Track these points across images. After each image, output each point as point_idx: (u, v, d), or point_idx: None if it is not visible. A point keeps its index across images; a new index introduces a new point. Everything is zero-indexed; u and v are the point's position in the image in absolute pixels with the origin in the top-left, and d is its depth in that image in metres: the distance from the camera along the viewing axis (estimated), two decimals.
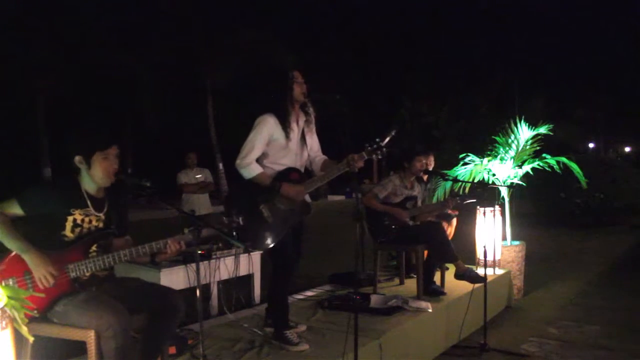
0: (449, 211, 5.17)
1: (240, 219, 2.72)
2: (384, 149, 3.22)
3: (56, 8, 16.17)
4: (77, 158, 2.65)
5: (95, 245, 2.67)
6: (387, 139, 3.24)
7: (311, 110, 3.48)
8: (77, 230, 2.64)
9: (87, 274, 2.62)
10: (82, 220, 2.65)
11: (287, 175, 3.34)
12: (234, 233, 2.86)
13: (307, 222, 3.60)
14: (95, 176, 2.67)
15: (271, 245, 3.25)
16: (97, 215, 2.70)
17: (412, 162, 4.77)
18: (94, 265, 2.60)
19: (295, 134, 3.40)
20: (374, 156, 3.24)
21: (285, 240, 3.29)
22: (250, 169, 3.25)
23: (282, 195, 3.25)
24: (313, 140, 3.57)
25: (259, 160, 3.33)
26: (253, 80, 15.65)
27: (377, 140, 3.22)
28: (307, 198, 3.44)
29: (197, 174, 7.56)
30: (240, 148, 3.32)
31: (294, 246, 3.42)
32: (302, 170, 3.50)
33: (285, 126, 3.33)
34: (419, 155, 4.81)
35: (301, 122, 3.46)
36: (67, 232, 2.62)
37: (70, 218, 2.62)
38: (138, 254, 2.64)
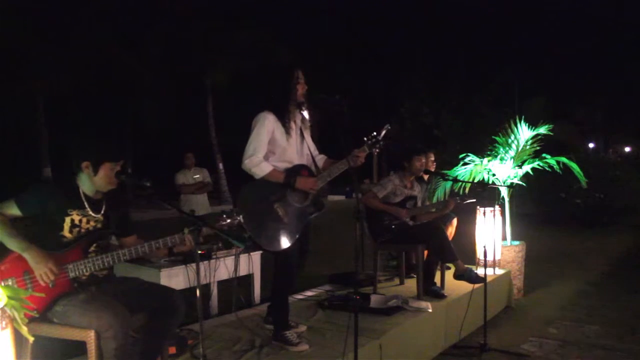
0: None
1: (240, 217, 2.72)
2: (382, 142, 3.38)
3: (56, 7, 16.16)
4: (85, 163, 2.65)
5: (94, 245, 2.68)
6: (384, 132, 3.40)
7: (306, 111, 3.49)
8: (76, 230, 2.64)
9: (86, 274, 2.62)
10: (80, 221, 2.65)
11: (298, 171, 3.35)
12: (247, 235, 2.86)
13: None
14: (97, 182, 2.68)
15: (290, 244, 3.24)
16: (94, 217, 2.70)
17: (411, 161, 4.77)
18: (93, 265, 2.60)
19: (294, 132, 3.41)
20: (373, 150, 3.37)
21: None
22: (261, 167, 3.24)
23: (298, 189, 3.25)
24: (310, 140, 3.57)
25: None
26: (256, 77, 15.66)
27: (375, 134, 3.38)
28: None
29: (195, 174, 7.55)
30: (241, 148, 3.32)
31: (300, 245, 3.41)
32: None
33: (285, 123, 3.34)
34: (418, 154, 4.81)
35: (298, 121, 3.47)
36: (66, 232, 2.62)
37: (68, 219, 2.62)
38: (137, 253, 2.64)
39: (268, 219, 3.21)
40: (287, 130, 3.35)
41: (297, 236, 3.28)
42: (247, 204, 3.24)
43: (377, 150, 3.39)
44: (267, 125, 3.29)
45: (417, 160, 4.78)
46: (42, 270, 2.46)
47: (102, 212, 2.74)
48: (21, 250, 2.47)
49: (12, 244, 2.48)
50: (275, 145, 3.34)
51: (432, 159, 5.48)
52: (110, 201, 2.79)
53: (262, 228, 3.19)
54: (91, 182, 2.68)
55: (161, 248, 2.66)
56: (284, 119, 3.34)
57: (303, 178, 3.29)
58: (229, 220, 2.68)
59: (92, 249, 2.66)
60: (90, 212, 2.69)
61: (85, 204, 2.68)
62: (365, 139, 3.38)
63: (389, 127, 3.46)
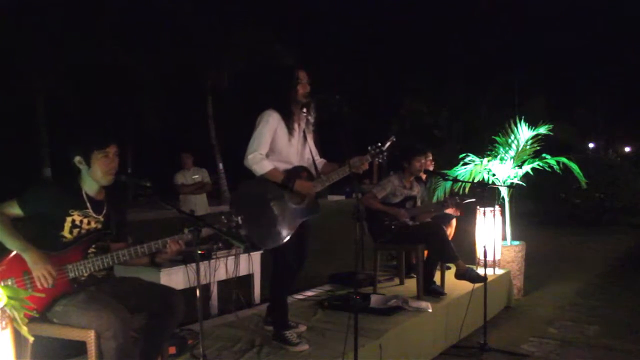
0: (450, 211, 5.16)
1: (240, 218, 2.72)
2: (385, 153, 3.42)
3: (56, 7, 16.16)
4: (77, 159, 2.66)
5: (93, 246, 2.67)
6: (388, 144, 3.45)
7: (312, 113, 3.49)
8: (76, 231, 2.64)
9: (85, 274, 2.61)
10: (81, 222, 2.65)
11: (298, 173, 3.34)
12: (242, 233, 2.87)
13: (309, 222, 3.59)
14: (95, 175, 2.67)
15: (281, 243, 3.24)
16: (95, 218, 2.70)
17: (411, 162, 4.77)
18: (92, 265, 2.59)
19: (297, 133, 3.40)
20: (376, 159, 3.42)
21: (288, 241, 3.29)
22: (262, 165, 3.23)
23: (296, 191, 3.26)
24: (312, 144, 3.57)
25: None
26: (258, 78, 15.68)
27: (379, 144, 3.43)
28: None
29: (195, 175, 7.54)
30: (241, 148, 3.32)
31: (299, 247, 3.41)
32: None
33: (289, 123, 3.34)
34: (418, 155, 4.81)
35: (302, 124, 3.46)
36: (66, 232, 2.62)
37: (69, 219, 2.62)
38: (137, 254, 2.63)
39: (263, 217, 3.21)
40: (290, 131, 3.35)
41: (291, 235, 3.27)
42: (243, 201, 3.26)
43: (380, 160, 3.43)
44: (271, 123, 3.29)
45: (417, 161, 4.78)
46: (40, 272, 2.45)
47: (104, 213, 2.74)
48: (20, 251, 2.47)
49: (12, 244, 2.48)
50: (277, 145, 3.33)
51: (430, 158, 5.48)
52: (111, 203, 2.79)
53: (257, 225, 3.19)
54: (91, 177, 2.68)
55: (160, 248, 2.66)
56: (288, 119, 3.34)
57: (302, 181, 3.29)
58: (227, 222, 2.68)
59: (91, 249, 2.66)
60: (92, 213, 2.69)
61: (88, 204, 2.68)
62: (369, 148, 3.41)
63: (394, 139, 3.49)
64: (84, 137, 2.71)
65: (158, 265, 2.88)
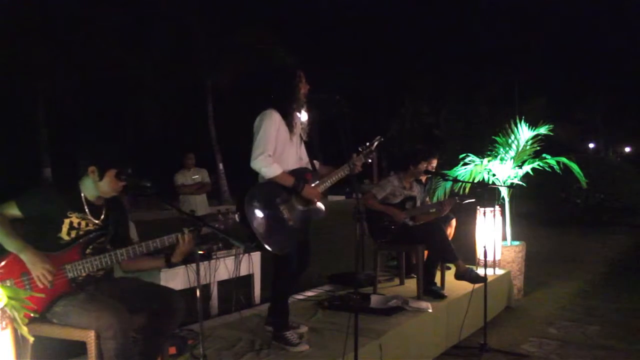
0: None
1: (236, 215, 2.72)
2: (374, 152, 3.53)
3: (56, 7, 16.17)
4: (91, 168, 2.65)
5: (90, 247, 2.67)
6: (376, 144, 3.56)
7: (305, 114, 3.49)
8: (73, 233, 2.64)
9: (84, 274, 2.61)
10: (79, 224, 2.65)
11: (303, 175, 3.34)
12: (254, 244, 2.88)
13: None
14: (102, 188, 2.68)
15: (295, 246, 3.24)
16: (93, 221, 2.70)
17: (418, 165, 4.76)
18: (90, 265, 2.59)
19: (295, 132, 3.40)
20: (367, 159, 3.51)
21: None
22: (272, 168, 3.21)
23: (304, 196, 3.26)
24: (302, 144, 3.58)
25: None
26: (259, 77, 15.67)
27: (368, 144, 3.52)
28: None
29: (195, 175, 7.53)
30: (241, 148, 3.32)
31: (301, 248, 3.41)
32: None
33: (289, 121, 3.33)
34: (428, 158, 4.80)
35: (298, 123, 3.46)
36: (63, 234, 2.61)
37: (67, 221, 2.62)
38: (135, 253, 2.63)
39: (275, 222, 3.19)
40: (291, 129, 3.34)
41: (300, 239, 3.27)
42: (255, 207, 3.17)
43: (370, 160, 3.51)
44: (274, 123, 3.27)
45: (422, 164, 4.78)
46: (39, 272, 2.45)
47: (102, 218, 2.74)
48: (17, 251, 2.47)
49: (10, 245, 2.48)
50: (278, 144, 3.32)
51: (434, 164, 5.48)
52: (110, 209, 2.79)
53: (270, 231, 3.16)
54: (95, 187, 2.68)
55: (159, 247, 2.66)
56: (288, 119, 3.34)
57: (310, 187, 3.30)
58: (223, 219, 2.68)
59: (89, 250, 2.65)
60: (90, 217, 2.69)
61: (86, 207, 2.68)
62: (359, 149, 3.47)
63: (382, 139, 3.59)
64: (108, 152, 2.73)
65: (174, 265, 2.86)
